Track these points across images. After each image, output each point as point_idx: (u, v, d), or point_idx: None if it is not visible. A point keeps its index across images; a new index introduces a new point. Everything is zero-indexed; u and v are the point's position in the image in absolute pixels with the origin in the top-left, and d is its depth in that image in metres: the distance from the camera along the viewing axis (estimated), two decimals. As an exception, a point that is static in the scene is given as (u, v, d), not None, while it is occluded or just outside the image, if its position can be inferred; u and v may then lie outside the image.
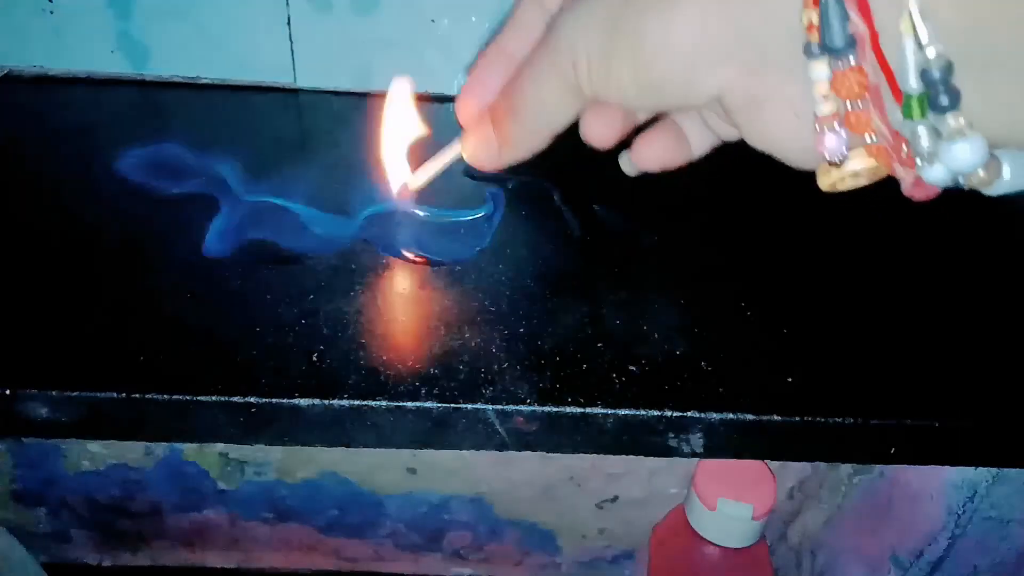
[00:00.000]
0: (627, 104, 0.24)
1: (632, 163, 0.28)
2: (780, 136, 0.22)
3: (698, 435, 0.27)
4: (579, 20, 0.23)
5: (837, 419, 0.27)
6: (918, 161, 0.20)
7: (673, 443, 0.27)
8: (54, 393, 0.25)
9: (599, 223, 0.35)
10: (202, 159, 0.36)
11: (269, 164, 0.36)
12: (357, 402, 0.26)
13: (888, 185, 0.21)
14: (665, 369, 0.28)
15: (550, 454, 0.29)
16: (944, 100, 0.18)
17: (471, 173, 0.37)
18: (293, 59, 0.41)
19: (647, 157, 0.28)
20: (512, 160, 0.26)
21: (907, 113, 0.19)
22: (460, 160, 0.28)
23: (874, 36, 0.19)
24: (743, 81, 0.21)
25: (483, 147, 0.26)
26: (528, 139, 0.25)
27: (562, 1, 0.24)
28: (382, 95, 0.31)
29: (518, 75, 0.25)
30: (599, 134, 0.26)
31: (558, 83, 0.23)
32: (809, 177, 0.22)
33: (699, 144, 0.28)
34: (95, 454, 0.56)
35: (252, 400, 0.26)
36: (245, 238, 0.32)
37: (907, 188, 0.21)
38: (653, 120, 0.28)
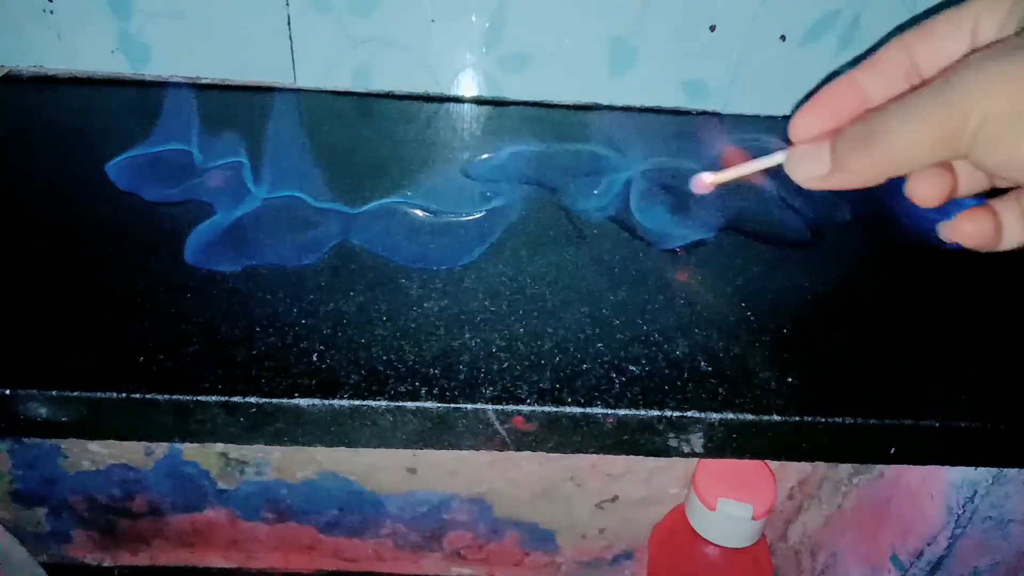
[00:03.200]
0: (1010, 174, 0.23)
1: (945, 231, 0.27)
2: None
3: (698, 435, 0.27)
4: (988, 72, 0.21)
5: (837, 419, 0.27)
6: None
7: (673, 443, 0.27)
8: (54, 393, 0.25)
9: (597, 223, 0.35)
10: (202, 159, 0.36)
11: (269, 164, 0.36)
12: (357, 402, 0.26)
13: (887, 186, 0.21)
14: (665, 369, 0.28)
15: (550, 454, 0.29)
16: None
17: (470, 173, 0.37)
18: (293, 59, 0.41)
19: (966, 233, 0.26)
20: (839, 185, 0.25)
21: None
22: (771, 169, 0.28)
23: None
24: None
25: (813, 165, 0.26)
26: (869, 171, 0.24)
27: (965, 56, 0.23)
28: (382, 95, 0.31)
29: (884, 108, 0.24)
30: (926, 193, 0.25)
31: (934, 129, 0.22)
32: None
33: (1013, 236, 0.26)
34: (95, 454, 0.56)
35: (252, 400, 0.26)
36: (239, 244, 0.32)
37: None
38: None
